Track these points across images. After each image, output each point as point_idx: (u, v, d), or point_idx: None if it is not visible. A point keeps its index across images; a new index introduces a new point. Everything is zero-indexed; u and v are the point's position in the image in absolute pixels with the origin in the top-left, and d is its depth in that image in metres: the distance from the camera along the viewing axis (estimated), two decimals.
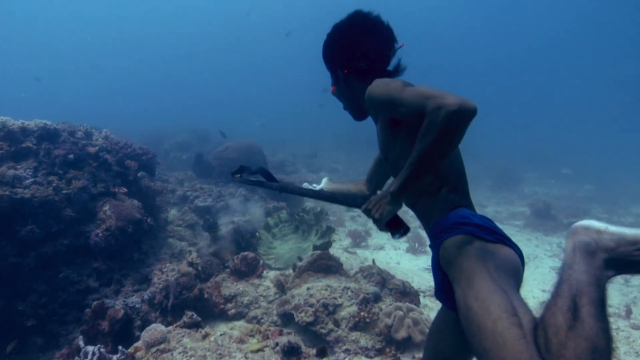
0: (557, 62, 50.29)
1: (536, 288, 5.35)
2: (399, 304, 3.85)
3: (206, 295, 4.07)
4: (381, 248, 7.02)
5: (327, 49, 1.77)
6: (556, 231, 8.77)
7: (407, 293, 4.14)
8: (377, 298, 4.01)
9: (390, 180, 1.92)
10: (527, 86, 49.79)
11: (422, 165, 1.30)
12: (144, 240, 4.56)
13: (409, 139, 1.47)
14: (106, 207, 4.24)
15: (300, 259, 4.91)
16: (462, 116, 1.18)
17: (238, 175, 2.44)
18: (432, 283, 4.20)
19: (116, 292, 4.07)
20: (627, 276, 6.08)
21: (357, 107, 1.80)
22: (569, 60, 49.38)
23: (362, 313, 3.80)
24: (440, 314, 1.71)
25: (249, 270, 4.84)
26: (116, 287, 4.11)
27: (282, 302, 4.10)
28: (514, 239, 1.71)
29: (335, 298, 3.94)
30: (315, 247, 5.00)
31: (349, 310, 3.87)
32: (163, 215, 5.82)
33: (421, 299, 4.38)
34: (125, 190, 4.55)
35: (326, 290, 4.02)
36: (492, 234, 1.36)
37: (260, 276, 4.87)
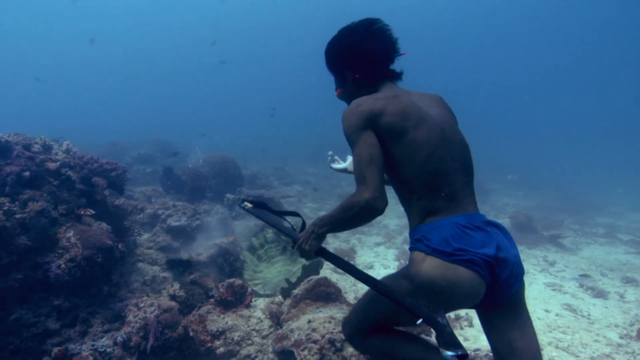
0: (510, 75, 52.39)
1: (538, 308, 5.10)
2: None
3: (191, 333, 3.51)
4: (370, 267, 6.63)
5: (335, 50, 1.85)
6: (538, 244, 8.69)
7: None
8: None
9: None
10: (486, 95, 51.44)
11: (335, 228, 1.62)
12: (114, 270, 3.94)
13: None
14: (70, 233, 3.61)
15: (289, 282, 4.42)
16: (367, 214, 1.49)
17: (249, 205, 2.40)
18: None
19: (82, 334, 3.44)
20: (622, 291, 5.97)
21: None
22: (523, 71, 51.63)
23: None
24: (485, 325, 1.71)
25: (237, 300, 4.31)
26: (82, 327, 3.47)
27: (279, 338, 3.60)
28: None
29: (341, 332, 3.48)
30: (304, 268, 4.53)
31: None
32: (133, 237, 5.17)
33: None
34: (92, 212, 3.93)
35: (330, 322, 3.55)
36: (449, 256, 1.46)
37: (249, 306, 4.35)
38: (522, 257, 5.55)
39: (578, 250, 8.73)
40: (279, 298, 4.60)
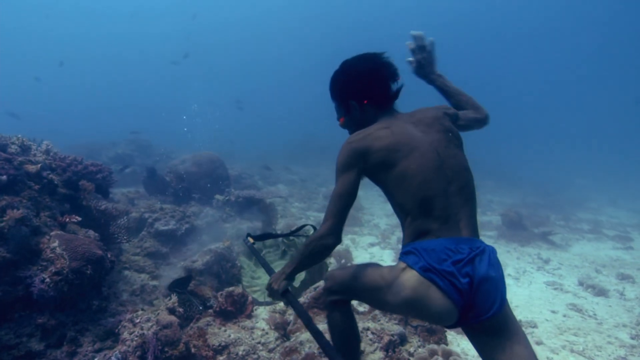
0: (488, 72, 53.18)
1: (544, 309, 4.99)
2: (433, 346, 3.25)
3: (193, 350, 3.22)
4: None
5: (341, 81, 1.98)
6: (530, 241, 8.68)
7: (434, 331, 3.54)
8: (402, 339, 3.38)
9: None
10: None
11: (300, 265, 1.85)
12: (104, 282, 3.61)
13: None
14: (55, 243, 3.25)
15: (292, 288, 4.17)
16: (320, 249, 1.74)
17: (251, 240, 2.66)
18: None
19: (71, 355, 3.11)
20: (620, 289, 5.95)
21: None
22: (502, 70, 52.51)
23: None
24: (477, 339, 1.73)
25: (237, 310, 4.03)
26: (70, 347, 3.14)
27: (287, 351, 3.35)
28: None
29: None
30: (309, 272, 4.28)
31: (373, 357, 3.20)
32: (120, 245, 4.82)
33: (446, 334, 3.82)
34: (79, 219, 3.57)
35: None
36: (426, 271, 1.57)
37: (250, 316, 4.07)
38: (515, 255, 5.50)
39: (568, 247, 8.76)
40: (280, 306, 4.34)
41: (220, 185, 8.14)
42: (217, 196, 7.33)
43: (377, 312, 3.64)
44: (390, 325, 3.46)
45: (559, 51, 48.57)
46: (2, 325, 3.03)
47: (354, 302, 4.11)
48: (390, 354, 3.21)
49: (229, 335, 3.61)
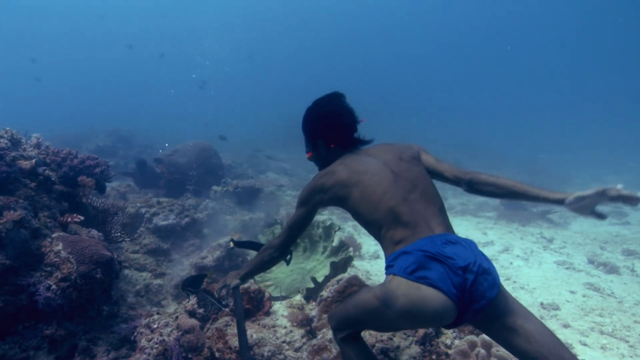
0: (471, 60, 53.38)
1: (563, 290, 4.92)
2: (472, 337, 3.09)
3: (217, 354, 2.98)
4: (377, 257, 6.25)
5: (309, 122, 2.23)
6: (530, 221, 8.67)
7: None
8: (437, 331, 3.21)
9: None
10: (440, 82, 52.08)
11: (254, 268, 2.36)
12: (114, 285, 3.32)
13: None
14: (58, 246, 2.95)
15: (315, 282, 3.96)
16: (268, 259, 2.25)
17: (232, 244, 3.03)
18: None
19: None
20: (629, 265, 5.94)
21: None
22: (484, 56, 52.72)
23: (430, 356, 2.99)
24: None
25: (255, 307, 3.80)
26: (83, 359, 2.86)
27: (316, 350, 3.15)
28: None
29: (391, 338, 3.07)
30: (333, 265, 4.07)
31: (409, 352, 3.03)
32: (119, 243, 4.51)
33: None
34: (81, 218, 3.26)
35: None
36: (411, 273, 1.60)
37: (268, 313, 3.84)
38: (519, 235, 5.40)
39: (567, 224, 8.78)
40: (297, 300, 4.13)
41: (215, 176, 7.82)
42: (215, 187, 7.02)
43: None
44: None
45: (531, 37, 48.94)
46: (6, 339, 2.74)
47: None
48: (427, 347, 3.04)
49: (251, 336, 3.38)
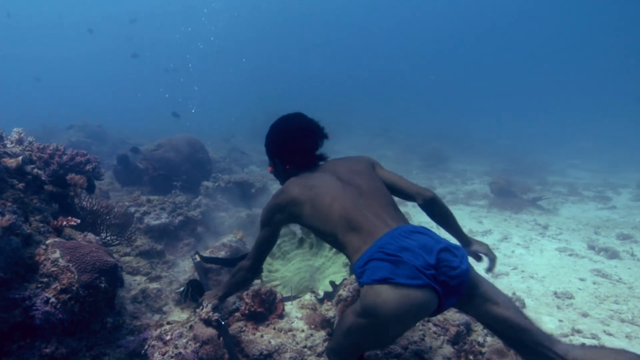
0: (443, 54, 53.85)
1: (572, 277, 4.87)
2: None
3: None
4: None
5: (270, 142, 2.37)
6: (522, 208, 8.69)
7: None
8: (468, 329, 3.06)
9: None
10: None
11: (230, 289, 2.67)
12: (117, 294, 3.02)
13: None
14: (55, 254, 2.63)
15: (334, 285, 3.75)
16: (242, 280, 2.53)
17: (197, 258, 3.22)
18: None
19: None
20: (628, 249, 5.97)
21: None
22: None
23: (466, 356, 2.83)
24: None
25: (267, 310, 3.55)
26: None
27: None
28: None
29: (422, 339, 2.90)
30: (350, 270, 3.87)
31: (443, 352, 2.87)
32: (114, 246, 4.18)
33: None
34: (77, 221, 2.93)
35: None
36: (382, 280, 1.58)
37: (282, 315, 3.61)
38: (514, 223, 5.35)
39: (557, 210, 8.86)
40: (307, 299, 3.91)
41: (203, 171, 7.47)
42: (206, 182, 6.68)
43: None
44: (452, 314, 3.12)
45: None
46: None
47: None
48: (461, 346, 2.88)
49: (269, 342, 3.13)
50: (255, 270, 2.37)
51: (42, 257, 2.64)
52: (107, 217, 4.14)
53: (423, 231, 1.77)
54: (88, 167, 3.54)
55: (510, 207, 8.69)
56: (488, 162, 17.69)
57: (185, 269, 4.87)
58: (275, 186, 9.94)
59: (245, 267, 2.36)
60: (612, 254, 5.64)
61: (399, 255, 1.60)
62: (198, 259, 3.13)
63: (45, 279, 2.58)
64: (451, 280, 1.64)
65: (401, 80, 49.47)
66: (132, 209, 5.28)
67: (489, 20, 49.40)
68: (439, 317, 3.10)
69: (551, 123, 33.57)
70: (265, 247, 2.30)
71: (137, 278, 4.55)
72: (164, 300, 4.08)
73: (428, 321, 3.03)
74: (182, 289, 3.32)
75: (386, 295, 1.55)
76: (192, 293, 3.29)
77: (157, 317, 3.76)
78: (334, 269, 4.30)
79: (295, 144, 2.25)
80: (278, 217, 2.14)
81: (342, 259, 4.29)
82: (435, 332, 2.97)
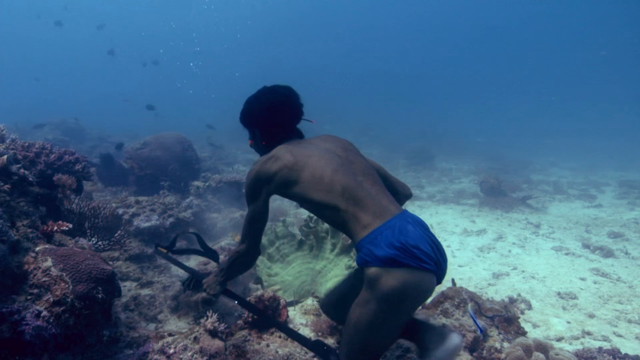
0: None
1: (573, 277, 4.85)
2: (523, 340, 2.85)
3: None
4: None
5: (248, 112, 2.20)
6: (512, 207, 8.71)
7: (510, 320, 3.15)
8: (484, 334, 2.96)
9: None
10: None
11: (229, 275, 2.28)
12: (113, 305, 2.80)
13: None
14: (47, 262, 2.40)
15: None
16: (243, 263, 2.20)
17: (164, 251, 2.82)
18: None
19: None
20: (621, 247, 6.01)
21: None
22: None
23: None
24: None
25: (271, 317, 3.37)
26: None
27: None
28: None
29: None
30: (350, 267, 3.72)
31: None
32: (105, 251, 3.94)
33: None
34: (69, 225, 2.71)
35: None
36: (394, 263, 1.58)
37: (286, 322, 3.43)
38: (506, 222, 5.30)
39: (546, 209, 8.92)
40: (309, 304, 3.75)
41: (191, 170, 7.21)
42: (197, 182, 6.44)
43: (446, 304, 3.17)
44: (468, 319, 3.02)
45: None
46: None
47: None
48: (480, 353, 2.77)
49: (276, 352, 2.96)
50: (254, 252, 2.12)
51: (32, 266, 2.41)
52: (97, 221, 3.89)
53: (420, 220, 1.80)
54: (77, 166, 3.31)
55: (501, 205, 8.70)
56: (472, 160, 17.84)
57: (178, 273, 4.65)
58: None
59: (243, 251, 2.09)
60: (607, 253, 5.66)
61: (415, 241, 1.62)
62: (164, 251, 2.82)
63: (36, 290, 2.35)
64: (441, 270, 1.72)
65: (383, 80, 49.60)
66: (120, 211, 5.01)
67: (466, 22, 49.96)
68: (453, 322, 2.99)
69: (519, 122, 34.57)
70: (259, 224, 2.03)
71: (127, 284, 4.31)
72: (158, 307, 3.86)
73: (443, 327, 2.91)
74: (185, 279, 3.00)
75: (404, 278, 1.57)
76: (195, 284, 3.00)
77: (152, 326, 3.55)
78: (336, 272, 4.14)
79: (282, 108, 2.10)
80: (266, 187, 1.93)
81: (344, 261, 4.14)
82: None
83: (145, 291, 4.17)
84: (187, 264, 3.27)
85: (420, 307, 3.33)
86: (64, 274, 2.38)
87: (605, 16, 41.14)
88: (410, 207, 8.76)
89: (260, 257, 4.31)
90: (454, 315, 3.05)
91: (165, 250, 2.81)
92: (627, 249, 5.90)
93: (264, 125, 2.14)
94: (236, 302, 2.44)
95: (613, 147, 22.24)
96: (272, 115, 2.10)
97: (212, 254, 2.85)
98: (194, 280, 2.80)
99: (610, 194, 10.60)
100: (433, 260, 1.63)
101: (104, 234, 4.05)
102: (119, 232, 4.82)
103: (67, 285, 2.35)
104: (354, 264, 3.95)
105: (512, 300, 4.05)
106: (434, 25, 51.18)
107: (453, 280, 3.54)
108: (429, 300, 3.36)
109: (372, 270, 1.61)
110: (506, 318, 3.09)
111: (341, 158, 1.93)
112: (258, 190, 1.96)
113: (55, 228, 2.62)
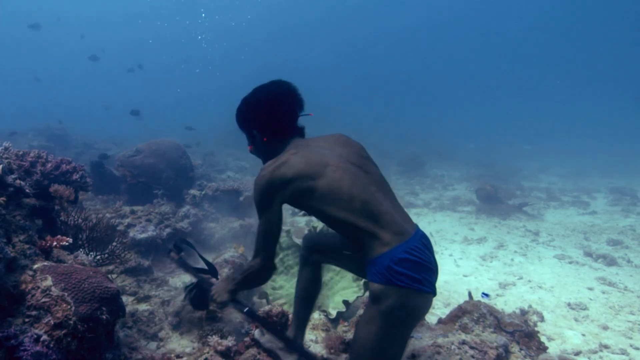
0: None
1: (581, 287, 4.78)
2: (548, 357, 2.75)
3: None
4: None
5: (244, 112, 2.01)
6: (509, 214, 8.68)
7: (530, 334, 3.04)
8: (507, 351, 2.84)
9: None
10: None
11: (240, 286, 2.07)
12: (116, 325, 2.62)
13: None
14: (46, 281, 2.22)
15: (347, 304, 3.47)
16: (258, 279, 2.00)
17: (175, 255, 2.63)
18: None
19: None
20: (622, 255, 5.99)
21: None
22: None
23: None
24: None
25: None
26: None
27: None
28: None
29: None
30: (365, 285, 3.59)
31: None
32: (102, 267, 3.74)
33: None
34: (69, 240, 2.53)
35: (438, 352, 2.70)
36: (415, 283, 1.63)
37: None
38: (505, 230, 5.23)
39: (541, 216, 8.92)
40: (317, 319, 3.61)
41: (186, 178, 7.01)
42: (193, 191, 6.25)
43: (465, 319, 3.05)
44: (488, 335, 2.90)
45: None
46: None
47: (434, 320, 3.53)
48: None
49: None
50: (270, 267, 1.93)
51: (30, 286, 2.22)
52: (93, 233, 3.69)
53: (427, 238, 1.85)
54: (75, 176, 3.12)
55: (498, 213, 8.67)
56: (463, 167, 17.91)
57: (176, 286, 4.46)
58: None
59: (258, 267, 1.90)
60: (611, 261, 5.63)
61: (430, 263, 1.72)
62: (175, 256, 2.64)
63: (35, 312, 2.16)
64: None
65: (373, 84, 49.84)
66: (115, 221, 4.81)
67: (457, 29, 50.53)
68: (473, 338, 2.87)
69: (507, 127, 35.09)
70: (274, 237, 1.85)
71: (124, 298, 4.09)
72: (158, 324, 3.66)
73: (463, 343, 2.79)
74: (188, 285, 2.74)
75: (416, 300, 1.66)
76: (198, 293, 2.75)
77: (153, 344, 3.36)
78: (343, 284, 4.01)
79: (283, 99, 1.95)
80: (281, 194, 1.77)
81: (352, 274, 4.01)
82: (472, 356, 2.73)
83: (143, 306, 3.99)
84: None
85: (437, 322, 3.21)
86: (66, 293, 2.20)
87: (593, 20, 42.07)
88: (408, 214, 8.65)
89: None
90: (473, 331, 2.93)
91: (176, 256, 2.67)
92: (629, 257, 5.88)
93: (264, 119, 1.96)
94: (245, 313, 2.21)
95: (594, 152, 22.73)
96: (273, 107, 1.94)
97: (212, 270, 2.67)
98: (199, 288, 2.58)
99: (603, 201, 10.67)
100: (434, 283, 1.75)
101: (100, 247, 3.84)
102: (115, 244, 4.62)
103: (69, 306, 2.18)
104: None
105: (523, 312, 3.96)
106: (423, 31, 51.57)
107: (470, 293, 3.43)
108: (446, 315, 3.24)
109: (383, 287, 1.63)
110: (526, 333, 2.98)
111: (357, 167, 1.85)
112: (270, 198, 1.79)
113: (55, 243, 2.44)
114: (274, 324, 3.11)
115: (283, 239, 4.32)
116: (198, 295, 2.52)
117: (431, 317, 3.53)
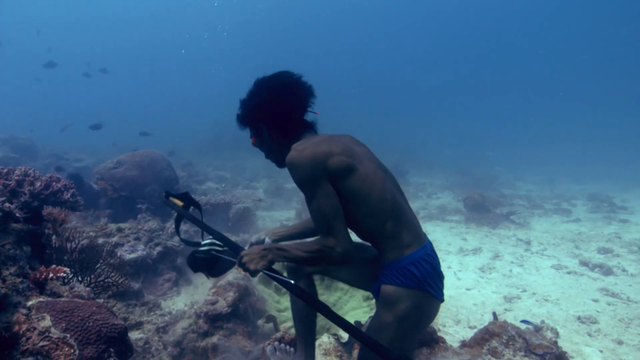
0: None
1: (585, 299, 4.73)
2: None
3: None
4: None
5: (251, 104, 1.84)
6: (498, 223, 8.69)
7: (561, 357, 2.90)
8: None
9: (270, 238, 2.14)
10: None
11: (292, 261, 1.71)
12: None
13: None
14: (44, 321, 1.92)
15: (358, 324, 3.26)
16: (336, 262, 1.60)
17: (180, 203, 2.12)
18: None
19: None
20: (615, 264, 6.02)
21: (280, 158, 1.86)
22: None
23: None
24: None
25: None
26: None
27: None
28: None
29: None
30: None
31: None
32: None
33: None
34: (67, 271, 2.23)
35: None
36: (432, 289, 1.66)
37: None
38: (496, 239, 5.17)
39: (528, 224, 8.97)
40: (326, 341, 3.38)
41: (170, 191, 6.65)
42: None
43: (494, 342, 2.89)
44: (520, 359, 2.75)
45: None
46: None
47: (450, 339, 3.37)
48: None
49: None
50: (351, 251, 1.59)
51: (24, 327, 1.92)
52: (89, 258, 3.36)
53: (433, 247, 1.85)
54: (66, 195, 2.80)
55: (487, 222, 8.67)
56: (442, 174, 18.08)
57: (171, 311, 4.15)
58: (260, 212, 9.14)
59: (340, 250, 1.57)
60: (607, 271, 5.64)
61: (440, 270, 1.76)
62: (178, 202, 2.09)
63: (31, 359, 1.86)
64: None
65: (347, 92, 49.99)
66: (101, 240, 4.44)
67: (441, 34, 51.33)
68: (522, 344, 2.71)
69: (471, 133, 35.95)
70: (341, 213, 1.60)
71: None
72: (155, 355, 3.37)
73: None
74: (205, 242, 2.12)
75: (431, 304, 1.69)
76: (212, 259, 2.12)
77: None
78: (352, 305, 3.80)
79: (295, 89, 1.78)
80: (325, 168, 1.59)
81: (361, 292, 3.81)
82: None
83: (136, 334, 3.68)
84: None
85: (461, 346, 3.04)
86: (68, 335, 1.92)
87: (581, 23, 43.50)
88: None
89: (266, 290, 3.90)
90: (504, 355, 2.77)
91: (181, 203, 2.11)
92: (622, 265, 5.91)
93: (275, 113, 1.78)
94: (278, 282, 1.70)
95: (563, 159, 23.57)
96: (286, 97, 1.77)
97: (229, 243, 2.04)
98: (216, 252, 2.07)
99: (583, 208, 10.88)
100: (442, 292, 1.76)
101: (93, 273, 3.50)
102: (110, 270, 4.25)
103: (72, 350, 1.89)
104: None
105: (537, 329, 3.85)
106: (407, 37, 52.11)
107: (495, 314, 3.29)
108: (471, 338, 3.07)
109: (399, 290, 1.62)
110: (557, 355, 2.85)
111: (382, 168, 1.80)
112: (319, 172, 1.59)
113: (51, 275, 2.14)
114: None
115: None
116: (207, 259, 2.09)
117: (446, 337, 3.35)
